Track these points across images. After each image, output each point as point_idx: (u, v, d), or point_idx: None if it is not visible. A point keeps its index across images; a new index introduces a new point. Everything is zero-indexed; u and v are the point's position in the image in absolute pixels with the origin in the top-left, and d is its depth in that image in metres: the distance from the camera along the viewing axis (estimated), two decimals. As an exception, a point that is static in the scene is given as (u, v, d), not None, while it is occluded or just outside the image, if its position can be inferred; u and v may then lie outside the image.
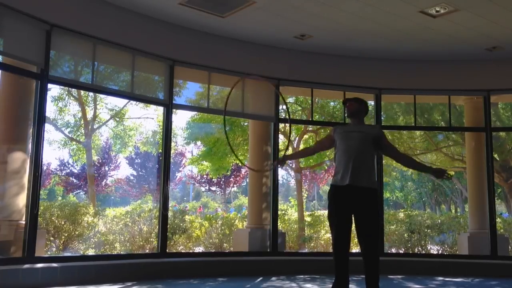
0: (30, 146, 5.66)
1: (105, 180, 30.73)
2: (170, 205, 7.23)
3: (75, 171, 30.44)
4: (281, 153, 4.75)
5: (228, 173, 25.28)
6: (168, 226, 6.84)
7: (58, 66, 6.26)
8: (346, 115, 4.51)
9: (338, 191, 4.16)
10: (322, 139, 4.63)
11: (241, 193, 40.78)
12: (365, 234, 4.08)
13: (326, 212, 4.94)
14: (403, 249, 9.18)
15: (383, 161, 8.35)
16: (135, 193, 33.41)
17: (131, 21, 6.44)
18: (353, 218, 4.15)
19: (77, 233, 8.23)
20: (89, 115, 17.65)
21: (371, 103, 8.22)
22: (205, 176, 30.41)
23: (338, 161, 4.21)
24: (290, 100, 14.69)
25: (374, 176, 4.24)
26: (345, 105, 4.48)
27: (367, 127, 4.42)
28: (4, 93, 6.05)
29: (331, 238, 4.21)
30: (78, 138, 20.01)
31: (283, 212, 10.19)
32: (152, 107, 16.66)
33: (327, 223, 4.90)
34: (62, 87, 14.94)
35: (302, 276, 6.48)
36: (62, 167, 31.13)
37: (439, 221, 10.00)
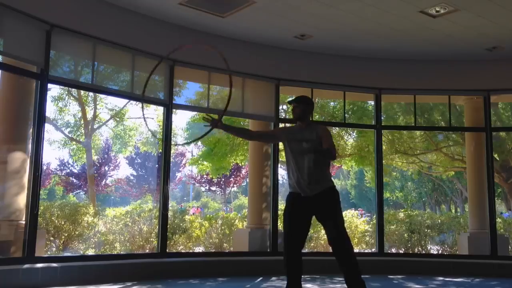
0: (30, 146, 5.66)
1: (105, 180, 30.76)
2: (170, 205, 7.23)
3: (75, 171, 30.47)
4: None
5: (228, 173, 25.29)
6: (168, 226, 6.84)
7: (58, 66, 6.26)
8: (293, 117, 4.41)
9: (295, 199, 4.15)
10: (266, 132, 4.55)
11: (241, 193, 40.79)
12: (327, 223, 4.09)
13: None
14: (403, 249, 9.18)
15: (383, 161, 8.35)
16: (135, 193, 33.44)
17: (131, 21, 6.44)
18: (312, 217, 4.18)
19: (77, 233, 8.23)
20: (89, 115, 17.66)
21: (371, 103, 8.23)
22: (205, 176, 30.42)
23: (290, 169, 4.20)
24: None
25: (327, 177, 4.20)
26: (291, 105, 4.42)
27: (311, 130, 4.25)
28: (4, 93, 6.05)
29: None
30: (78, 138, 20.03)
31: (283, 212, 10.17)
32: (152, 107, 16.65)
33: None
34: (62, 87, 14.96)
35: (302, 276, 6.46)
36: (62, 167, 31.16)
37: (439, 221, 10.00)
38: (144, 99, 7.53)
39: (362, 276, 4.01)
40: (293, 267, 4.04)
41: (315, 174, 4.09)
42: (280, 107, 7.98)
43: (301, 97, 4.40)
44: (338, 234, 4.04)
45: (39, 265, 5.28)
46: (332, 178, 4.32)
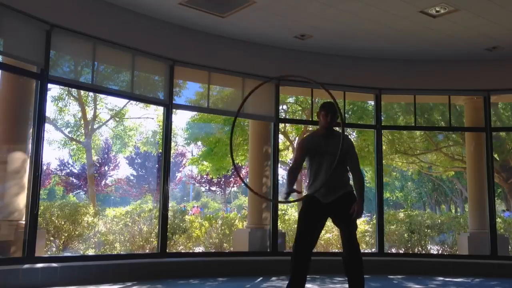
0: (30, 146, 5.66)
1: (105, 180, 30.74)
2: (170, 205, 7.23)
3: (75, 171, 30.44)
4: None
5: (229, 173, 25.28)
6: (168, 226, 6.84)
7: (58, 66, 6.26)
8: (323, 125, 4.13)
9: (314, 203, 4.04)
10: (297, 159, 4.21)
11: (241, 193, 40.77)
12: (347, 230, 4.01)
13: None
14: (403, 249, 9.18)
15: (383, 161, 8.35)
16: (135, 193, 33.41)
17: (131, 21, 6.44)
18: (328, 219, 4.11)
19: (77, 233, 8.23)
20: (89, 115, 17.66)
21: (371, 103, 8.23)
22: (205, 176, 30.41)
23: (312, 175, 4.09)
24: (290, 100, 14.70)
25: (347, 181, 4.13)
26: (318, 115, 4.15)
27: (336, 142, 3.96)
28: (4, 93, 6.05)
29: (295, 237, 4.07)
30: (78, 138, 20.02)
31: (283, 212, 10.18)
32: (152, 107, 16.67)
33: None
34: (62, 87, 14.94)
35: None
36: (62, 167, 31.13)
37: (439, 221, 10.00)
38: (144, 99, 7.56)
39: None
40: (300, 267, 3.98)
41: (335, 181, 4.02)
42: (280, 107, 7.97)
43: (335, 107, 4.12)
44: (353, 250, 3.98)
45: (39, 265, 5.28)
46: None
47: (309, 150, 4.13)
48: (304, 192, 4.57)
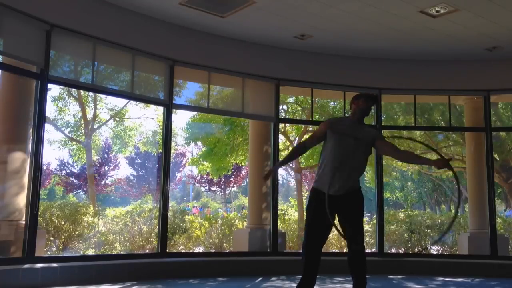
0: (30, 146, 5.66)
1: (105, 180, 30.75)
2: (170, 205, 7.23)
3: (75, 171, 30.45)
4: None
5: (229, 173, 25.29)
6: (168, 226, 6.84)
7: (58, 66, 6.26)
8: (352, 115, 4.06)
9: (320, 195, 3.92)
10: (315, 136, 4.12)
11: (241, 193, 40.77)
12: (352, 232, 3.96)
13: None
14: (403, 249, 9.18)
15: (383, 161, 8.35)
16: (135, 193, 33.42)
17: (131, 21, 6.43)
18: (336, 218, 4.01)
19: (77, 233, 8.23)
20: (89, 115, 17.64)
21: (371, 103, 8.21)
22: (205, 176, 30.41)
23: (327, 166, 3.92)
24: (290, 100, 14.69)
25: (358, 179, 4.05)
26: (356, 102, 4.03)
27: (365, 129, 4.05)
28: (4, 93, 6.05)
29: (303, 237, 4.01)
30: (78, 138, 20.02)
31: (283, 212, 10.19)
32: (152, 107, 16.67)
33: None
34: (62, 87, 14.94)
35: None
36: (62, 167, 31.15)
37: (439, 221, 10.00)
38: (144, 99, 7.56)
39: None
40: (311, 264, 3.96)
41: (353, 174, 3.95)
42: (280, 107, 7.97)
43: (377, 98, 4.14)
44: (359, 249, 3.94)
45: (39, 265, 5.28)
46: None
47: (336, 129, 3.97)
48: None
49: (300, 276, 3.98)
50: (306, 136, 12.67)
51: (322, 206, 3.86)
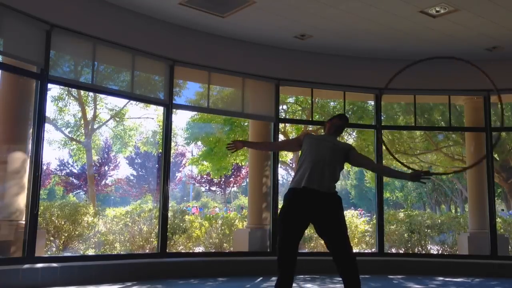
0: (30, 146, 5.66)
1: (105, 180, 30.75)
2: (170, 205, 7.23)
3: (75, 171, 30.44)
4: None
5: (229, 173, 25.29)
6: (168, 226, 6.84)
7: (58, 66, 6.26)
8: (328, 130, 4.18)
9: (295, 195, 3.85)
10: (291, 139, 4.39)
11: (241, 193, 40.78)
12: (332, 239, 3.80)
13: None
14: (403, 249, 9.17)
15: (383, 161, 8.35)
16: (135, 193, 33.41)
17: (131, 21, 6.44)
18: (311, 224, 3.89)
19: (77, 233, 8.23)
20: (89, 115, 17.66)
21: (371, 103, 8.22)
22: (205, 176, 30.41)
23: (303, 167, 3.92)
24: (290, 100, 14.70)
25: (334, 185, 3.98)
26: (330, 121, 4.21)
27: (341, 142, 4.21)
28: (4, 93, 6.05)
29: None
30: (78, 138, 20.03)
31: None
32: (152, 107, 16.67)
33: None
34: (62, 87, 14.94)
35: (302, 276, 6.47)
36: (62, 167, 31.14)
37: (439, 221, 10.00)
38: (144, 99, 7.56)
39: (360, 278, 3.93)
40: (287, 263, 3.85)
41: (329, 175, 3.87)
42: (280, 107, 7.97)
43: (343, 115, 4.34)
44: (350, 261, 3.75)
45: (39, 265, 5.28)
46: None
47: (314, 137, 4.14)
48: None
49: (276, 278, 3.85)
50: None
51: (297, 204, 3.82)
